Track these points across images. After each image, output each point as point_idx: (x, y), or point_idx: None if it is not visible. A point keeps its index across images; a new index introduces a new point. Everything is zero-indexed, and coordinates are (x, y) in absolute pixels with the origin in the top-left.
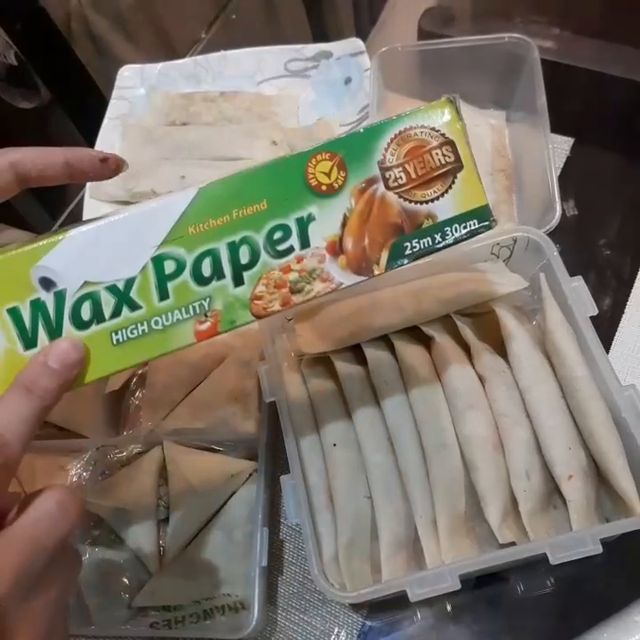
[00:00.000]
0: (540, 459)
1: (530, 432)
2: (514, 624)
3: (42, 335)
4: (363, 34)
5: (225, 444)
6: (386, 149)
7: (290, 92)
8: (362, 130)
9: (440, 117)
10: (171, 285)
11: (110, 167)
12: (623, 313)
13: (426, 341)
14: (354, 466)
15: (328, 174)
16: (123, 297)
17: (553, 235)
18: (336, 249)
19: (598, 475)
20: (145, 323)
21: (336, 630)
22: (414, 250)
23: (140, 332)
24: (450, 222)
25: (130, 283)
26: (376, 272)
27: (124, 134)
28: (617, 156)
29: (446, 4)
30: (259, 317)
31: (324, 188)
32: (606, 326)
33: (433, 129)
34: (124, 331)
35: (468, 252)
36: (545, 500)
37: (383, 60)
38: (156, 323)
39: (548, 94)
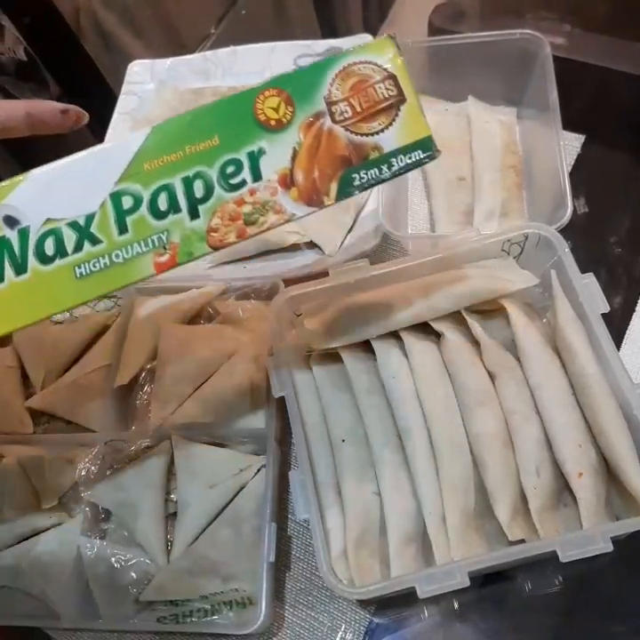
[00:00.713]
0: (550, 456)
1: (540, 429)
2: (521, 623)
3: (8, 271)
4: (372, 30)
5: (233, 438)
6: (331, 84)
7: None
8: (307, 66)
9: (381, 53)
10: (129, 220)
11: (71, 118)
12: (634, 311)
13: (435, 338)
14: (362, 462)
15: (276, 110)
16: (84, 232)
17: (563, 232)
18: (287, 181)
19: (608, 472)
20: (106, 256)
21: (343, 627)
22: (362, 180)
23: (102, 265)
24: (395, 153)
25: (90, 218)
26: (327, 203)
27: (134, 129)
28: (628, 154)
29: (457, 0)
30: (215, 249)
31: (272, 122)
32: (617, 324)
33: (375, 64)
34: (86, 264)
35: (478, 249)
36: (555, 497)
37: None
38: (117, 256)
39: (558, 91)
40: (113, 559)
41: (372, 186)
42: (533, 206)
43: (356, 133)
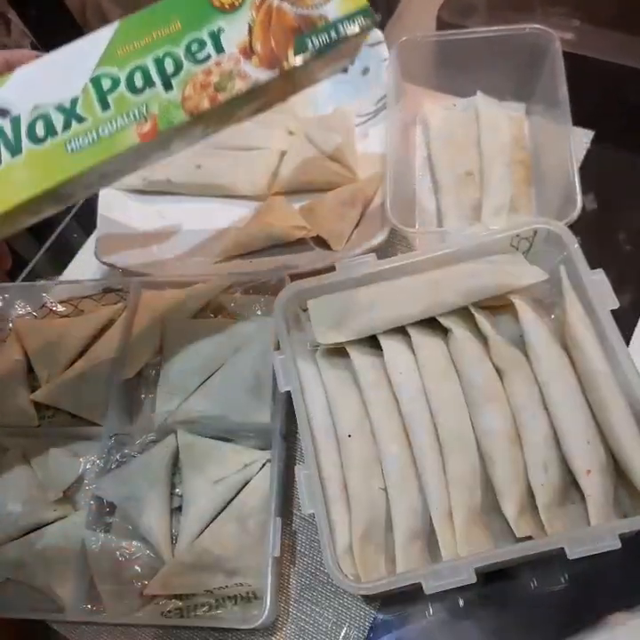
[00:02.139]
0: (558, 453)
1: (548, 426)
2: (526, 620)
3: (4, 154)
4: (380, 25)
5: (239, 433)
6: None
7: None
8: None
9: None
10: (110, 98)
11: None
12: None
13: (443, 333)
14: (368, 457)
15: None
16: (70, 113)
17: (571, 229)
18: (248, 51)
19: (616, 470)
20: (94, 131)
21: (348, 622)
22: (316, 45)
23: (91, 140)
24: (340, 20)
25: (74, 101)
26: (286, 67)
27: None
28: (638, 150)
29: None
30: (192, 115)
31: (227, 6)
32: (626, 321)
33: None
34: (76, 140)
35: (486, 244)
36: (562, 494)
37: (402, 50)
38: (103, 130)
39: (567, 86)
40: (117, 553)
41: (327, 49)
42: (542, 202)
43: (302, 7)
